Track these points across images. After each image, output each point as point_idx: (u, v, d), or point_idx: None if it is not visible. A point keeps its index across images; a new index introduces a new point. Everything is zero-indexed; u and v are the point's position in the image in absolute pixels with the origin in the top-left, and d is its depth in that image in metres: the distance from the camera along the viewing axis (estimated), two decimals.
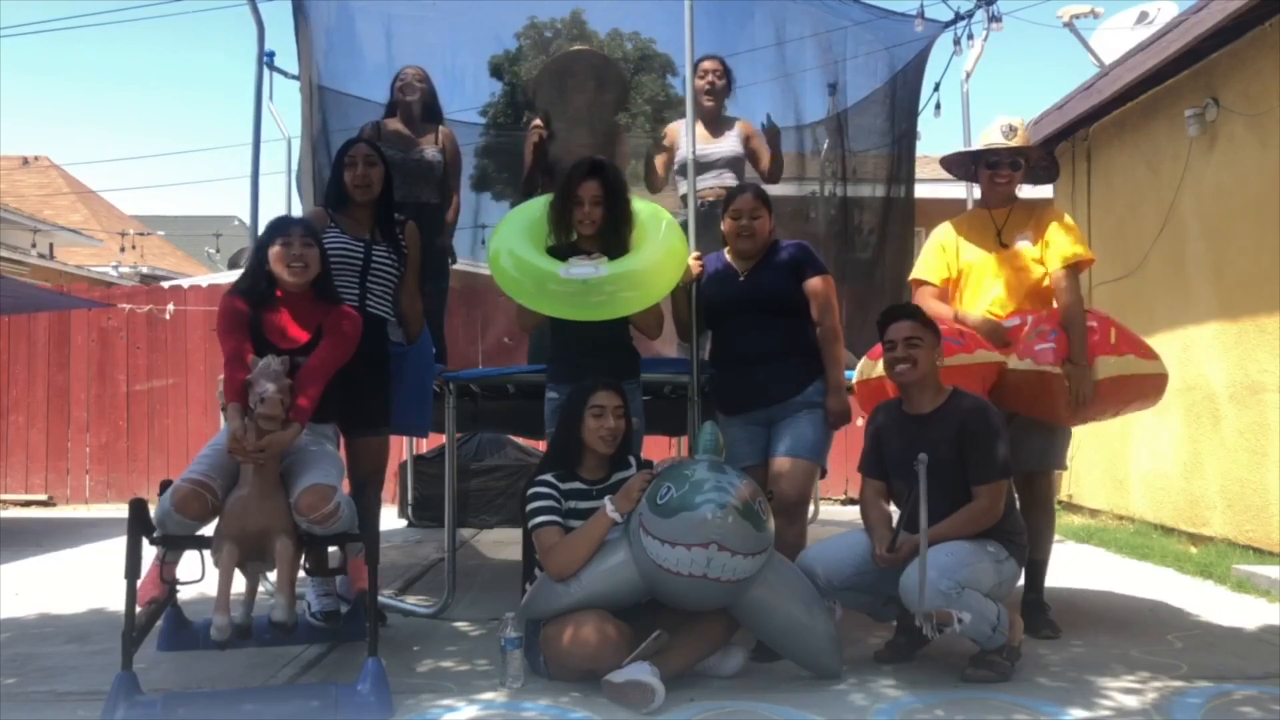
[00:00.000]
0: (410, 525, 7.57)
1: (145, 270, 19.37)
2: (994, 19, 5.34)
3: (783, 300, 3.77)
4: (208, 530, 3.15)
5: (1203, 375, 6.12)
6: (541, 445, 5.28)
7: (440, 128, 4.86)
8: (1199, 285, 6.20)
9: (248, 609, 3.19)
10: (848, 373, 4.13)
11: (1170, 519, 6.47)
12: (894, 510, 3.57)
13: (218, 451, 3.18)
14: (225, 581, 3.01)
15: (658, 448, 6.89)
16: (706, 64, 4.81)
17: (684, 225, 4.17)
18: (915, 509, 3.10)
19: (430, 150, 4.75)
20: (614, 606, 3.18)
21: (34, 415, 9.15)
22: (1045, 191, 8.22)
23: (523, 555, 3.60)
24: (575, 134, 4.81)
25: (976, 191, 5.07)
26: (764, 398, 3.75)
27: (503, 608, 3.62)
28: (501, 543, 6.64)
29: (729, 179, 4.83)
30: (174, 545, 3.15)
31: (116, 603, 3.33)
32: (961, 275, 4.04)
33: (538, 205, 3.93)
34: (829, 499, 8.69)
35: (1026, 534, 3.51)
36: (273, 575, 3.20)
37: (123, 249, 21.01)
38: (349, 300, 3.76)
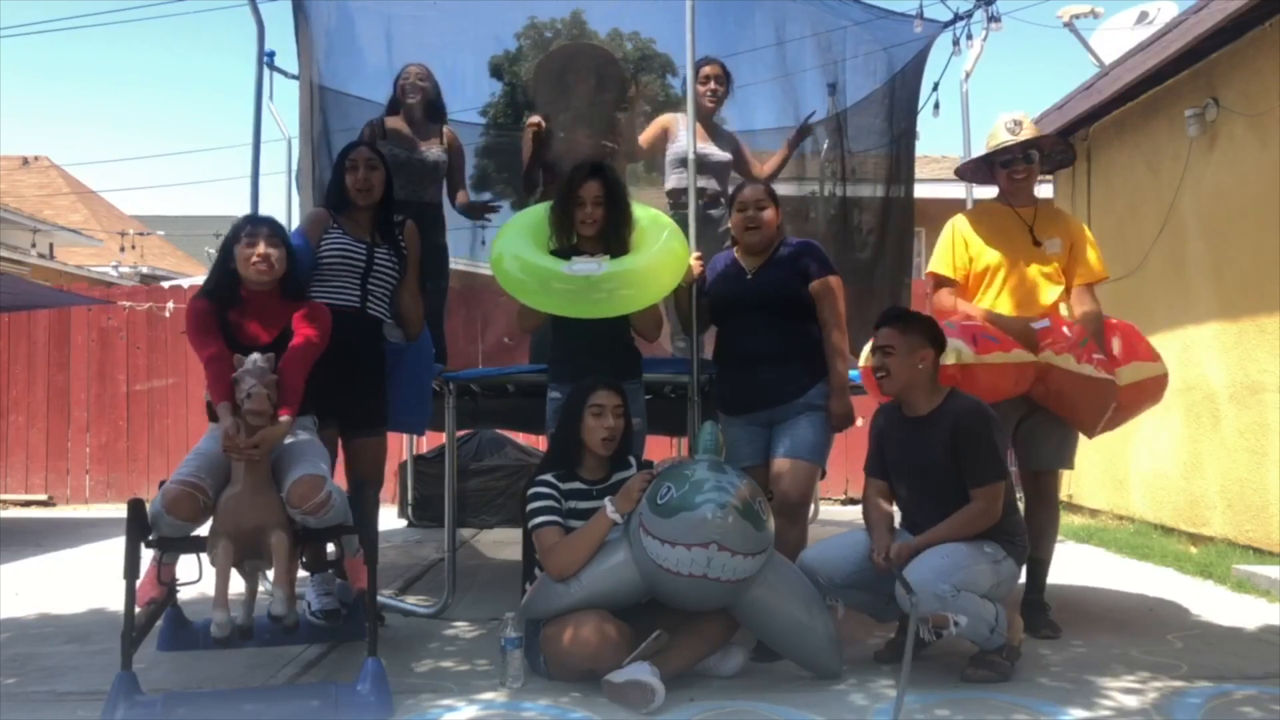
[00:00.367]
0: (410, 525, 7.57)
1: (145, 270, 19.37)
2: (993, 19, 5.34)
3: (789, 301, 3.75)
4: (202, 530, 3.15)
5: (1203, 375, 6.12)
6: (542, 444, 5.29)
7: (444, 127, 4.86)
8: (1199, 285, 6.20)
9: (248, 609, 3.20)
10: (854, 374, 4.12)
11: (1170, 519, 6.47)
12: (895, 511, 3.58)
13: (204, 454, 3.18)
14: (223, 578, 3.02)
15: (658, 448, 6.89)
16: (707, 69, 4.80)
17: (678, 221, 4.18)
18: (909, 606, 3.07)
19: (433, 150, 4.76)
20: (614, 606, 3.18)
21: (34, 415, 9.15)
22: (1045, 191, 8.24)
23: (523, 555, 3.60)
24: (575, 129, 4.81)
25: (977, 192, 5.08)
26: (766, 399, 3.75)
27: (503, 608, 3.62)
28: (501, 543, 6.64)
29: (713, 184, 4.86)
30: (170, 548, 3.15)
31: (116, 603, 3.33)
32: (981, 273, 4.00)
33: (539, 211, 3.96)
34: (829, 499, 8.69)
35: (1027, 534, 3.51)
36: (271, 573, 3.21)
37: (123, 249, 21.00)
38: (350, 302, 3.76)
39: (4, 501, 9.05)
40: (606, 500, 3.24)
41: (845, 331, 3.79)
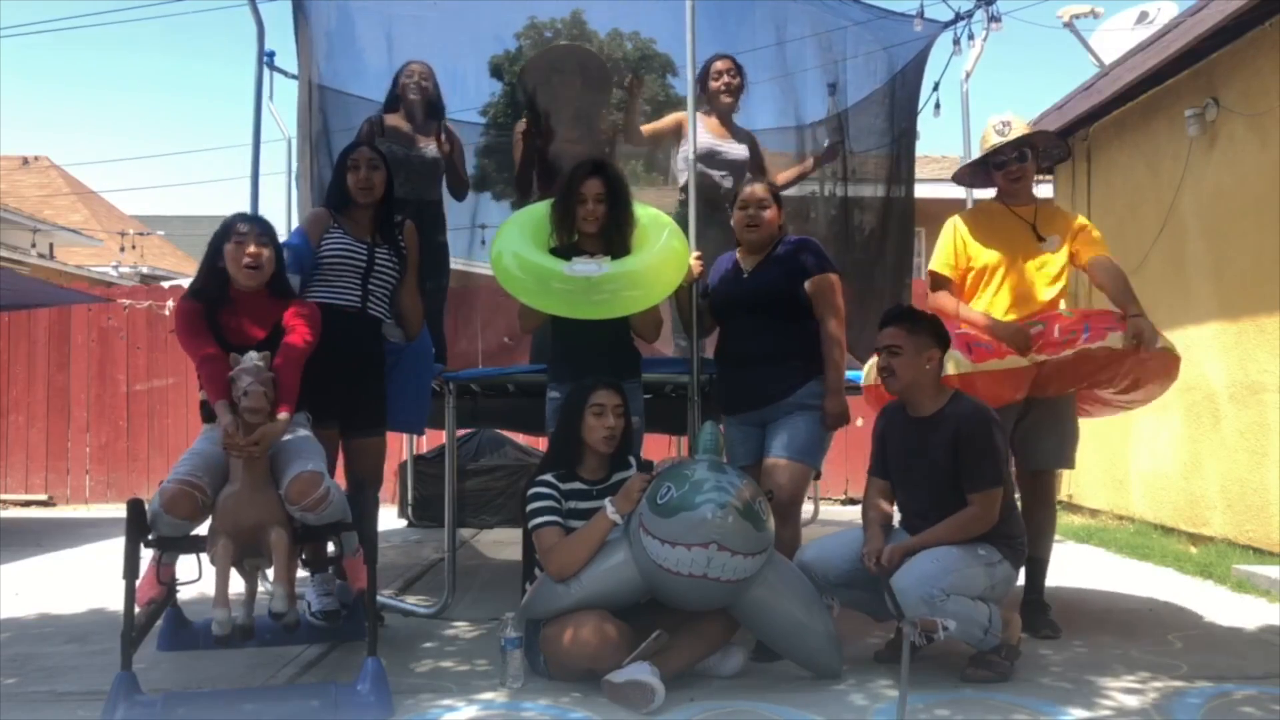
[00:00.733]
0: (410, 525, 7.57)
1: (145, 270, 19.37)
2: (993, 19, 5.33)
3: (784, 300, 3.74)
4: (201, 530, 3.15)
5: (1203, 375, 6.12)
6: (541, 444, 5.29)
7: (443, 123, 4.86)
8: (1199, 285, 6.20)
9: (248, 609, 3.20)
10: (853, 374, 4.12)
11: (1170, 519, 6.47)
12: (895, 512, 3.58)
13: (201, 453, 3.18)
14: (223, 577, 3.02)
15: (658, 447, 6.89)
16: (719, 64, 4.79)
17: (681, 221, 4.17)
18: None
19: (432, 148, 4.76)
20: (614, 606, 3.18)
21: (34, 415, 9.15)
22: (1045, 190, 8.23)
23: (523, 555, 3.60)
24: (565, 130, 4.81)
25: (977, 192, 5.07)
26: (757, 398, 3.75)
27: (503, 608, 3.62)
28: (501, 543, 6.64)
29: (728, 182, 4.83)
30: (169, 547, 3.15)
31: (116, 603, 3.32)
32: (980, 271, 3.99)
33: (539, 209, 3.95)
34: (829, 499, 8.69)
35: (1025, 535, 3.51)
36: (271, 571, 3.21)
37: (123, 249, 21.01)
38: (351, 302, 3.76)
39: (4, 501, 9.05)
40: (606, 501, 3.24)
41: (841, 330, 3.77)
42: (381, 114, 4.78)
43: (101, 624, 4.14)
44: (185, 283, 11.72)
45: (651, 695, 2.96)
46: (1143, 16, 8.17)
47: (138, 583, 3.08)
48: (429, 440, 7.63)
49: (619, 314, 3.76)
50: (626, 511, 3.18)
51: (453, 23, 5.41)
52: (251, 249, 3.31)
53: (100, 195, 25.12)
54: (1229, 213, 5.88)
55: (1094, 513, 7.55)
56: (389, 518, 7.14)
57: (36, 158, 23.51)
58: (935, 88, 5.66)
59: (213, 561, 3.05)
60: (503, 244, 3.84)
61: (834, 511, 8.15)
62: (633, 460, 3.51)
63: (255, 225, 3.40)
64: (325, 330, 3.42)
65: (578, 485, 3.39)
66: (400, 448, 7.70)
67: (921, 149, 5.82)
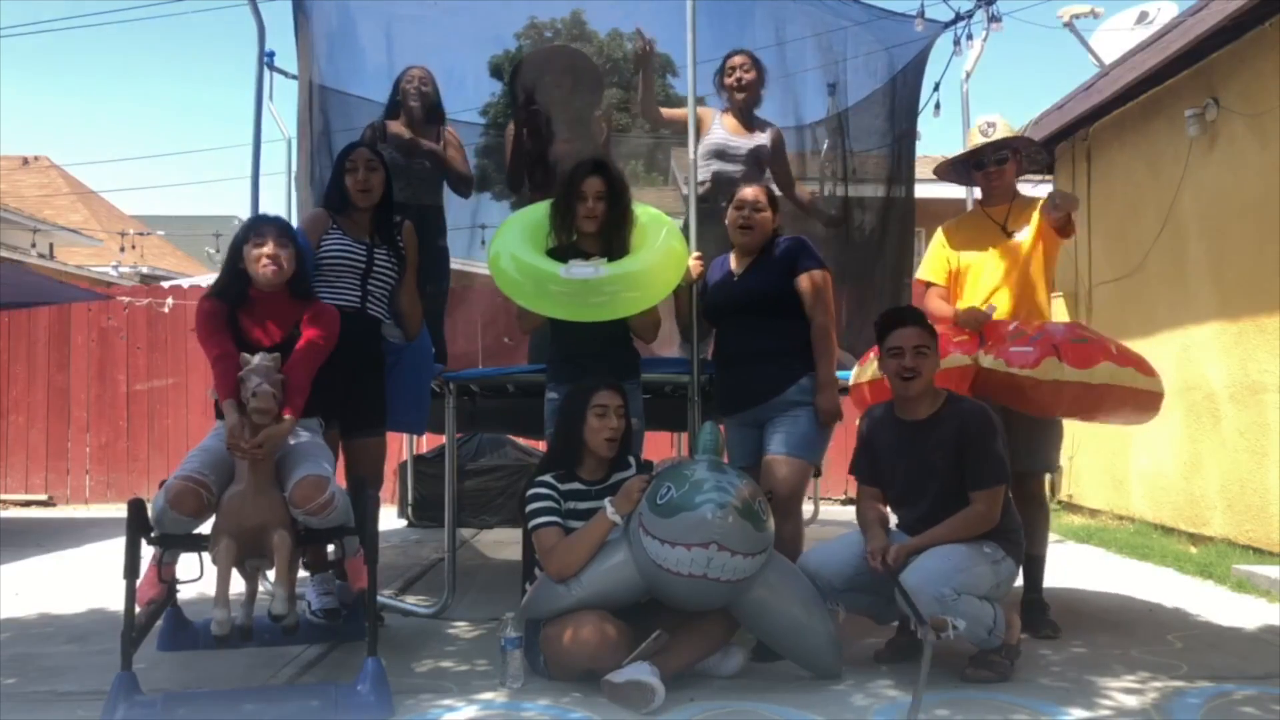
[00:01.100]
0: (410, 525, 7.57)
1: (145, 270, 19.37)
2: (994, 19, 5.34)
3: (772, 301, 3.75)
4: (205, 528, 3.15)
5: (1203, 375, 6.12)
6: (540, 445, 5.29)
7: (443, 127, 4.86)
8: (1199, 285, 6.20)
9: (248, 609, 3.20)
10: (844, 373, 4.12)
11: (1170, 519, 6.47)
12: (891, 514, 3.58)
13: (209, 450, 3.19)
14: (224, 576, 3.02)
15: (658, 447, 6.88)
16: (734, 60, 4.77)
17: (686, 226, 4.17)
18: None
19: (439, 151, 4.76)
20: (614, 606, 3.18)
21: (34, 415, 9.15)
22: (1045, 190, 8.23)
23: (523, 555, 3.60)
24: (556, 130, 4.80)
25: (978, 192, 5.08)
26: (752, 397, 3.75)
27: (503, 608, 3.62)
28: (501, 543, 6.64)
29: (743, 171, 4.79)
30: (172, 545, 3.15)
31: (116, 603, 3.32)
32: (960, 274, 4.06)
33: (537, 211, 3.95)
34: (829, 499, 8.69)
35: (1024, 532, 3.50)
36: (272, 573, 3.20)
37: (123, 249, 20.99)
38: (350, 303, 3.76)
39: (4, 501, 9.05)
40: (606, 501, 3.23)
41: (833, 326, 3.78)
42: (384, 120, 4.77)
43: (101, 624, 4.14)
44: (185, 282, 11.72)
45: (651, 695, 2.96)
46: (1143, 16, 8.16)
47: (138, 582, 3.08)
48: (429, 440, 7.63)
49: (618, 315, 3.75)
50: (626, 512, 3.18)
51: (453, 23, 5.41)
52: (270, 249, 3.32)
53: (100, 195, 25.13)
54: (1229, 213, 5.88)
55: (1094, 513, 7.55)
56: (389, 518, 7.13)
57: (36, 158, 23.51)
58: (935, 88, 5.67)
59: (214, 561, 3.05)
60: (500, 246, 3.84)
61: (834, 511, 8.15)
62: (632, 460, 3.50)
63: (275, 226, 3.43)
64: None
65: (577, 486, 3.38)
66: (400, 448, 7.70)
67: (921, 149, 5.82)
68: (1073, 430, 7.77)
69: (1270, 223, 5.45)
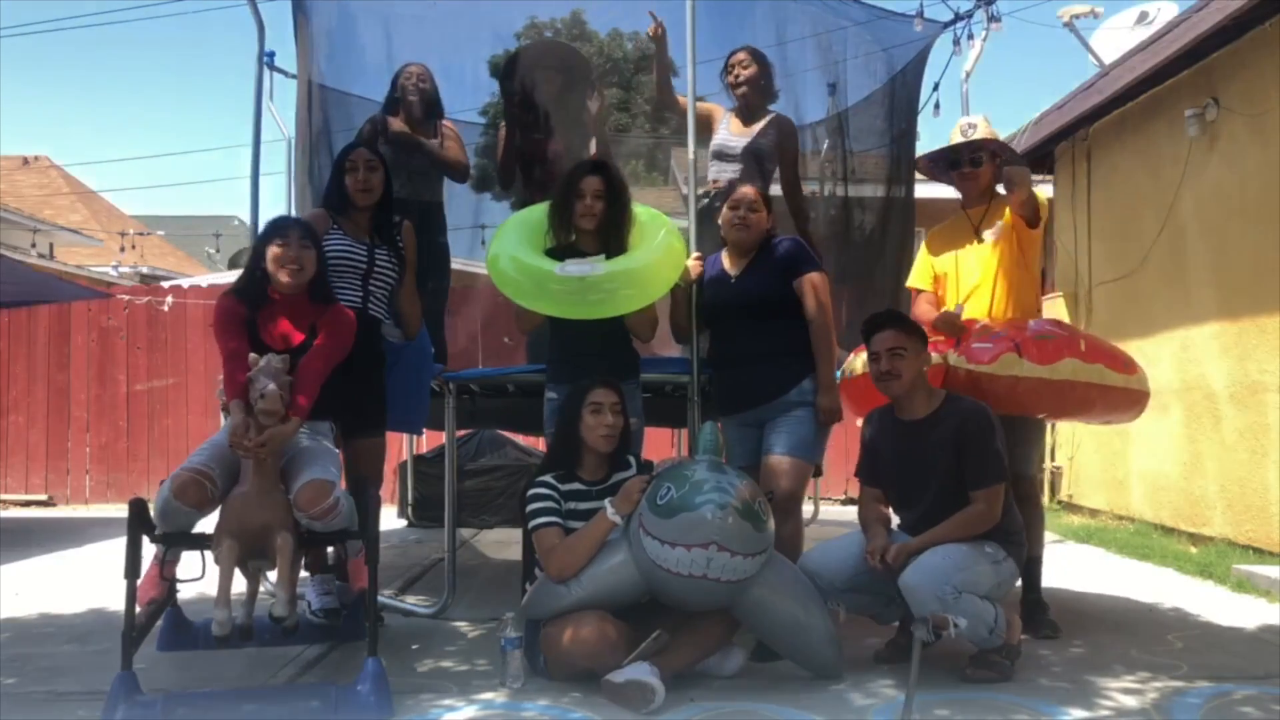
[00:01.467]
0: (410, 525, 7.57)
1: (145, 270, 19.37)
2: (993, 19, 5.34)
3: (771, 303, 3.76)
4: (207, 526, 3.15)
5: (1203, 375, 6.12)
6: (541, 444, 5.29)
7: (441, 123, 4.86)
8: (1199, 285, 6.20)
9: (249, 609, 3.19)
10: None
11: (1170, 519, 6.46)
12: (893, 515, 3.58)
13: (217, 446, 3.20)
14: (225, 577, 3.02)
15: (659, 446, 6.88)
16: (734, 57, 4.76)
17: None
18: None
19: (435, 147, 4.75)
20: (614, 607, 3.18)
21: (34, 415, 9.15)
22: (1046, 191, 8.23)
23: (523, 555, 3.60)
24: (548, 126, 4.81)
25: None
26: (752, 398, 3.76)
27: (503, 608, 3.62)
28: (501, 543, 6.64)
29: (739, 169, 4.77)
30: (174, 543, 3.15)
31: (116, 603, 3.33)
32: (941, 279, 4.08)
33: (536, 211, 3.96)
34: (829, 499, 8.68)
35: (1024, 532, 3.50)
36: (273, 574, 3.20)
37: (122, 249, 21.00)
38: (351, 303, 3.75)
39: (4, 501, 9.04)
40: (606, 502, 3.23)
41: (831, 328, 3.79)
42: (383, 116, 4.78)
43: (101, 624, 4.14)
44: (185, 282, 11.72)
45: (651, 695, 2.96)
46: (1143, 16, 8.16)
47: (138, 582, 3.08)
48: (429, 440, 7.63)
49: (616, 313, 3.76)
50: (626, 512, 3.18)
51: (453, 22, 5.41)
52: (292, 252, 3.33)
53: (100, 195, 25.15)
54: (1229, 213, 5.87)
55: (1094, 513, 7.55)
56: (389, 518, 7.13)
57: (36, 158, 23.52)
58: (935, 88, 5.67)
59: (216, 561, 3.05)
60: (499, 247, 3.84)
61: (834, 511, 8.15)
62: (632, 460, 3.51)
63: (298, 229, 3.43)
64: None
65: (577, 486, 3.38)
66: (400, 448, 7.70)
67: (922, 149, 5.83)
68: (1072, 430, 7.79)
69: (1270, 223, 5.44)
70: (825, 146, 5.58)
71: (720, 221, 3.89)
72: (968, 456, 3.30)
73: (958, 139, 4.05)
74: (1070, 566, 5.41)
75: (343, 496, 3.14)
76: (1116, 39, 8.18)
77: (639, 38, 5.88)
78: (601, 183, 3.76)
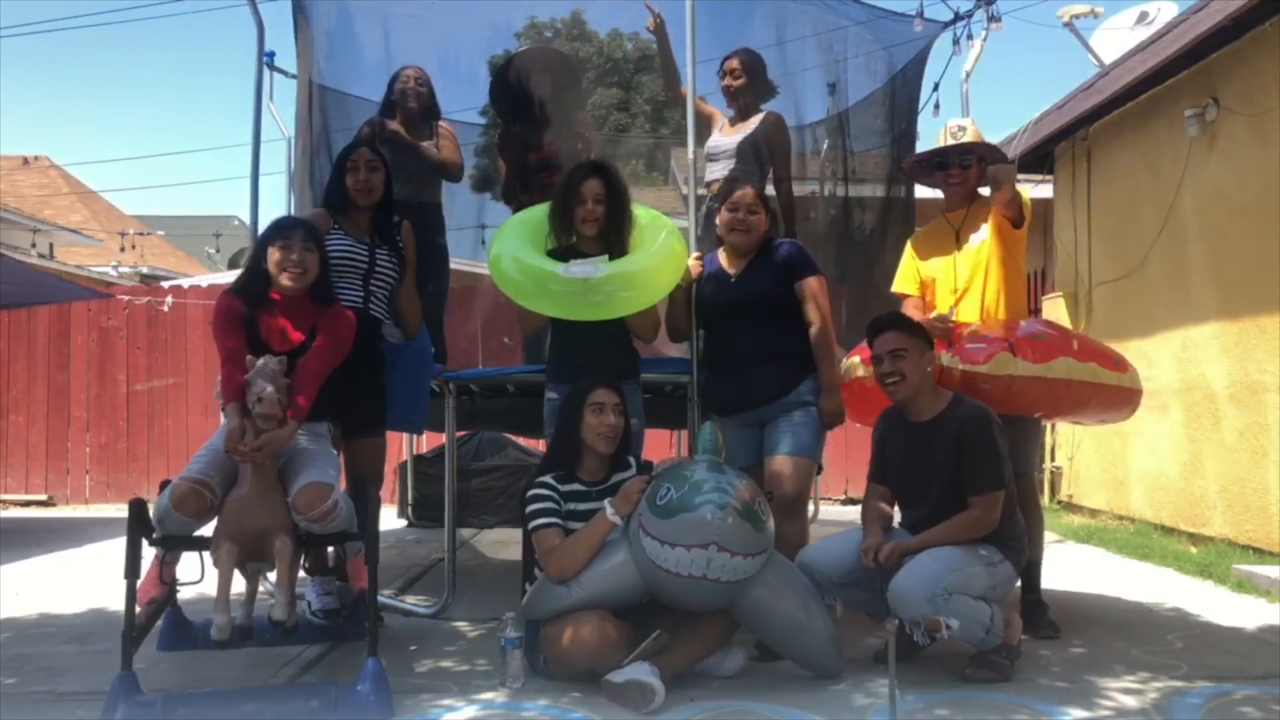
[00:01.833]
0: (410, 525, 7.57)
1: (145, 270, 19.37)
2: (993, 19, 5.35)
3: (773, 303, 3.76)
4: (207, 530, 3.14)
5: (1203, 375, 6.12)
6: (540, 445, 5.29)
7: (438, 124, 4.86)
8: (1199, 285, 6.20)
9: (248, 609, 3.20)
10: None
11: (1170, 519, 6.46)
12: (896, 514, 3.58)
13: (215, 451, 3.17)
14: (225, 581, 3.01)
15: (658, 446, 6.89)
16: (727, 64, 4.77)
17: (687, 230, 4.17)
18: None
19: (428, 145, 4.75)
20: (614, 607, 3.18)
21: (34, 415, 9.15)
22: (1045, 191, 8.24)
23: (523, 555, 3.60)
24: (541, 132, 4.81)
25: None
26: (754, 398, 3.76)
27: (503, 608, 3.62)
28: (501, 543, 6.64)
29: (731, 166, 4.76)
30: (173, 546, 3.15)
31: (116, 603, 3.33)
32: (927, 284, 4.07)
33: (537, 211, 3.95)
34: (829, 499, 8.69)
35: (1025, 537, 3.50)
36: (273, 575, 3.20)
37: (122, 249, 21.00)
38: (353, 303, 3.75)
39: (4, 501, 9.04)
40: (606, 502, 3.23)
41: (832, 330, 3.80)
42: (382, 118, 4.77)
43: (101, 624, 4.14)
44: (185, 282, 11.72)
45: (651, 695, 2.96)
46: (1143, 16, 8.16)
47: (139, 582, 3.08)
48: (429, 440, 7.63)
49: (617, 315, 3.76)
50: (626, 513, 3.18)
51: (452, 22, 5.42)
52: (295, 254, 3.30)
53: (100, 195, 25.14)
54: (1229, 213, 5.87)
55: (1094, 513, 7.55)
56: (389, 518, 7.13)
57: (36, 158, 23.52)
58: (935, 88, 5.68)
59: (215, 564, 3.04)
60: (500, 247, 3.84)
61: (834, 511, 8.15)
62: (632, 461, 3.51)
63: (302, 230, 3.40)
64: None
65: (577, 487, 3.38)
66: (400, 448, 7.70)
67: (921, 149, 5.84)
68: (1072, 430, 7.79)
69: (1270, 223, 5.45)
70: (825, 146, 5.59)
71: (718, 223, 3.89)
72: (967, 461, 3.30)
73: (946, 141, 4.03)
74: (1070, 566, 5.41)
75: (341, 499, 3.13)
76: (1116, 39, 8.18)
77: (639, 38, 5.88)
78: (602, 185, 3.76)
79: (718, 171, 4.74)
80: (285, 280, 3.32)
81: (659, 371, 4.35)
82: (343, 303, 3.69)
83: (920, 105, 5.66)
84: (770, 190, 4.66)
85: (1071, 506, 7.88)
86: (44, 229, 16.82)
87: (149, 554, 3.15)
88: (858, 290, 5.43)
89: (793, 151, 5.23)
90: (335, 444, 3.59)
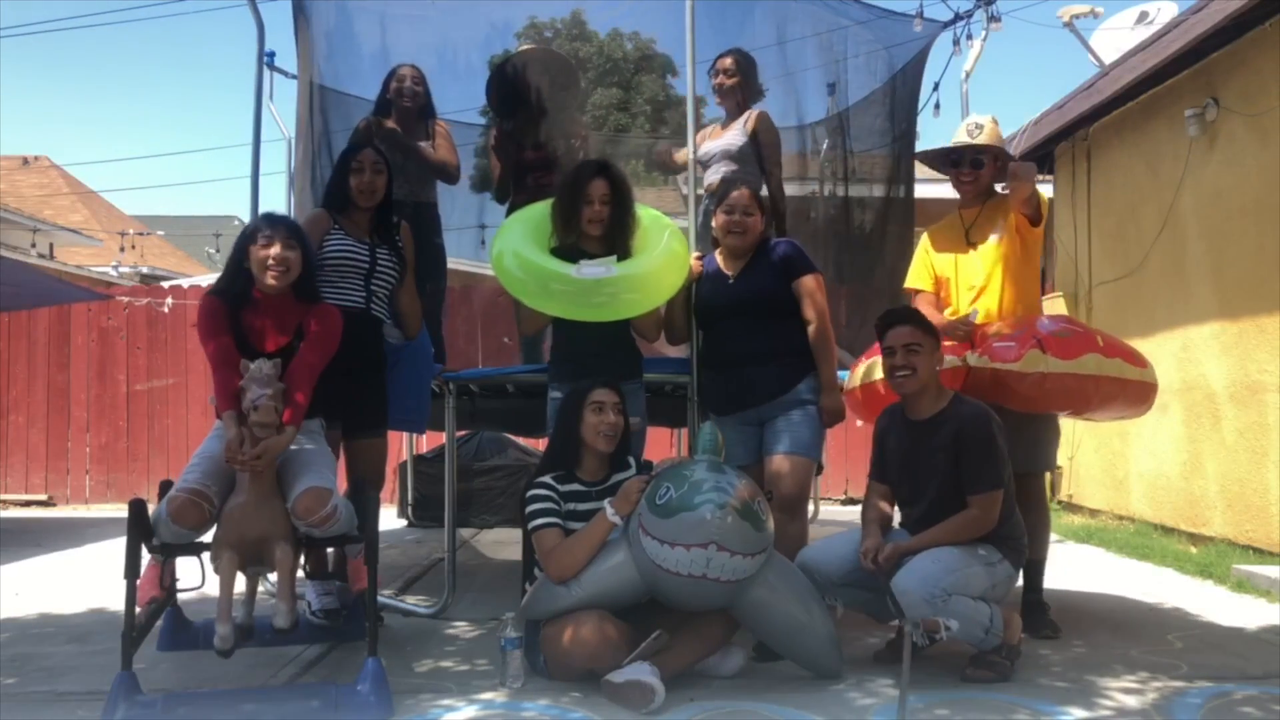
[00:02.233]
0: (410, 525, 7.57)
1: (145, 270, 19.40)
2: (993, 19, 5.34)
3: (772, 303, 3.77)
4: (206, 534, 3.14)
5: (1203, 375, 6.12)
6: (540, 445, 5.30)
7: (434, 123, 4.85)
8: (1199, 285, 6.20)
9: (248, 608, 3.19)
10: (843, 373, 4.13)
11: (1170, 519, 6.47)
12: (897, 514, 3.58)
13: (211, 458, 3.13)
14: (227, 591, 3.00)
15: (659, 446, 6.89)
16: (721, 63, 4.78)
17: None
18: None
19: (424, 145, 4.75)
20: (614, 607, 3.18)
21: (34, 415, 9.15)
22: (1046, 191, 8.23)
23: (523, 555, 3.60)
24: (536, 133, 4.81)
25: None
26: (753, 396, 3.76)
27: (503, 608, 3.62)
28: (501, 543, 6.64)
29: (725, 169, 4.76)
30: (173, 554, 3.13)
31: (116, 603, 3.32)
32: (942, 281, 4.07)
33: (539, 208, 3.95)
34: (829, 499, 8.69)
35: (1025, 536, 3.50)
36: (273, 576, 3.20)
37: (123, 249, 21.02)
38: (354, 303, 3.75)
39: (4, 501, 9.04)
40: (606, 502, 3.23)
41: (830, 329, 3.80)
42: (376, 117, 4.75)
43: (101, 624, 4.14)
44: (185, 282, 11.72)
45: (651, 695, 2.96)
46: (1143, 16, 8.17)
47: (138, 582, 3.07)
48: (429, 440, 7.63)
49: (620, 317, 3.76)
50: (626, 513, 3.18)
51: (452, 22, 5.42)
52: (277, 251, 3.23)
53: (100, 195, 25.16)
54: (1229, 213, 5.87)
55: (1094, 513, 7.55)
56: (389, 518, 7.14)
57: (36, 158, 23.53)
58: (935, 88, 5.68)
59: (217, 572, 3.03)
60: (503, 244, 3.84)
61: (834, 511, 8.15)
62: (632, 461, 3.51)
63: (284, 227, 3.32)
64: None
65: (576, 487, 3.38)
66: (400, 448, 7.70)
67: (921, 149, 5.84)
68: (1072, 430, 7.79)
69: (1270, 223, 5.45)
70: (825, 146, 5.59)
71: (714, 225, 3.89)
72: (965, 461, 3.30)
73: (963, 138, 4.02)
74: (1070, 566, 5.41)
75: (341, 504, 3.10)
76: (1116, 39, 8.19)
77: (639, 38, 5.88)
78: (607, 186, 3.77)
79: (711, 175, 4.76)
80: (269, 279, 3.24)
81: (659, 371, 4.35)
82: (345, 303, 3.69)
83: (920, 105, 5.67)
84: (765, 191, 4.66)
85: (1071, 506, 7.88)
86: (44, 229, 16.83)
87: (149, 555, 3.14)
88: (856, 290, 5.43)
89: (793, 151, 5.25)
90: (331, 442, 3.58)
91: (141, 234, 23.44)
